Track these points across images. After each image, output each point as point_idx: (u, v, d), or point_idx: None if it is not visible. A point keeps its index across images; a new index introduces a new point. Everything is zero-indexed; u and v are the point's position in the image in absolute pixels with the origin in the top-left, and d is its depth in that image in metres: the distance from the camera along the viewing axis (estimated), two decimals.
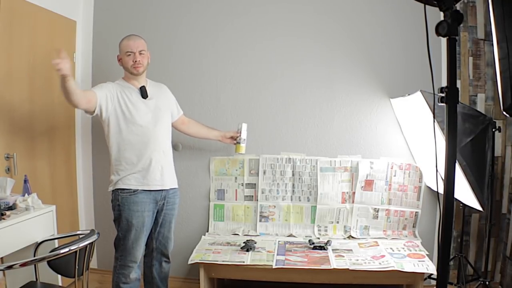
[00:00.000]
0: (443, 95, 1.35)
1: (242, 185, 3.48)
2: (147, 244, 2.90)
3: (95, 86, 2.76)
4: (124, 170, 2.74)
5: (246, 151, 3.21)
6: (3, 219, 2.33)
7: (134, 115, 2.73)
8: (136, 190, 2.73)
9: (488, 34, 3.27)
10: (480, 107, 3.32)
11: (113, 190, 2.78)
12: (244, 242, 3.13)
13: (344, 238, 3.35)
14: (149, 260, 2.97)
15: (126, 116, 2.72)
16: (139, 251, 2.81)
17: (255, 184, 3.47)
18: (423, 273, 2.79)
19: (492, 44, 1.37)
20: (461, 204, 3.07)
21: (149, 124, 2.77)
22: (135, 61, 2.75)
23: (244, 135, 3.15)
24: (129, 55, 2.76)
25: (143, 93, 2.80)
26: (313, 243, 3.13)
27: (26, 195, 2.65)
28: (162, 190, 2.84)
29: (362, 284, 2.97)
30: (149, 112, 2.79)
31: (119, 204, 2.73)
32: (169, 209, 2.91)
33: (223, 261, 2.91)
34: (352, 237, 3.35)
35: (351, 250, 3.10)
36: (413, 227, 3.37)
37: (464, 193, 2.74)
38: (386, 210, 3.37)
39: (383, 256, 2.96)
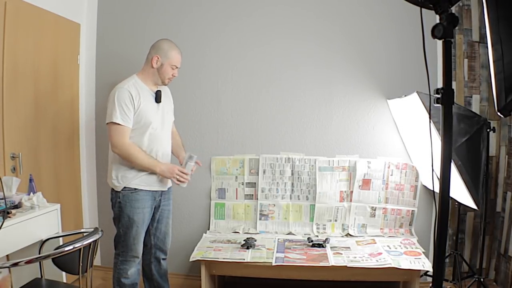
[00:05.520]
0: (438, 96, 1.36)
1: (243, 184, 3.53)
2: (145, 241, 2.93)
3: (120, 106, 2.63)
4: (130, 172, 2.75)
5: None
6: (9, 217, 2.34)
7: (148, 119, 2.72)
8: (137, 189, 2.76)
9: (482, 36, 3.33)
10: (475, 108, 3.37)
11: (113, 189, 2.81)
12: (244, 240, 3.16)
13: (342, 236, 3.40)
14: (148, 258, 3.00)
15: (141, 120, 2.71)
16: (140, 246, 2.85)
17: (255, 183, 3.51)
18: (419, 270, 2.83)
19: (487, 46, 1.38)
20: (456, 203, 3.11)
21: (158, 127, 2.79)
22: (174, 75, 2.80)
23: (189, 167, 2.80)
24: (173, 69, 2.78)
25: (158, 97, 2.80)
26: (312, 241, 3.17)
27: (31, 194, 2.67)
28: (160, 190, 2.89)
29: (360, 281, 3.01)
30: (159, 115, 2.81)
31: (120, 202, 2.76)
32: (165, 205, 2.96)
33: (223, 258, 2.95)
34: (350, 235, 3.40)
35: (349, 247, 3.15)
36: (409, 225, 3.42)
37: (459, 192, 2.77)
38: (383, 208, 3.42)
39: (380, 253, 3.00)
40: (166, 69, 2.76)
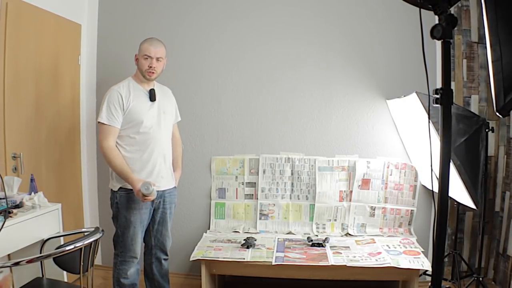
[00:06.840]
0: (437, 96, 1.36)
1: (243, 184, 3.54)
2: (146, 242, 2.95)
3: (108, 107, 2.68)
4: None
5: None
6: (10, 217, 2.34)
7: (139, 117, 2.73)
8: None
9: (481, 37, 3.34)
10: (474, 108, 3.38)
11: (111, 189, 2.83)
12: (244, 239, 3.18)
13: (342, 236, 3.41)
14: (149, 258, 3.02)
15: (134, 120, 2.72)
16: (138, 247, 2.86)
17: (255, 183, 3.53)
18: (418, 269, 2.84)
19: (486, 47, 1.39)
20: (455, 203, 3.12)
21: (154, 127, 2.79)
22: (151, 66, 2.75)
23: (150, 192, 2.60)
24: (146, 58, 2.75)
25: (152, 96, 2.81)
26: (312, 240, 3.19)
27: (33, 193, 2.68)
28: (158, 191, 2.86)
29: (359, 280, 3.02)
30: (155, 115, 2.81)
31: (117, 202, 2.77)
32: (166, 208, 2.95)
33: (224, 257, 2.96)
34: (350, 234, 3.41)
35: (349, 247, 3.16)
36: (408, 224, 3.44)
37: (458, 191, 2.79)
38: (383, 208, 3.43)
39: (379, 253, 3.02)
40: (140, 61, 2.79)
